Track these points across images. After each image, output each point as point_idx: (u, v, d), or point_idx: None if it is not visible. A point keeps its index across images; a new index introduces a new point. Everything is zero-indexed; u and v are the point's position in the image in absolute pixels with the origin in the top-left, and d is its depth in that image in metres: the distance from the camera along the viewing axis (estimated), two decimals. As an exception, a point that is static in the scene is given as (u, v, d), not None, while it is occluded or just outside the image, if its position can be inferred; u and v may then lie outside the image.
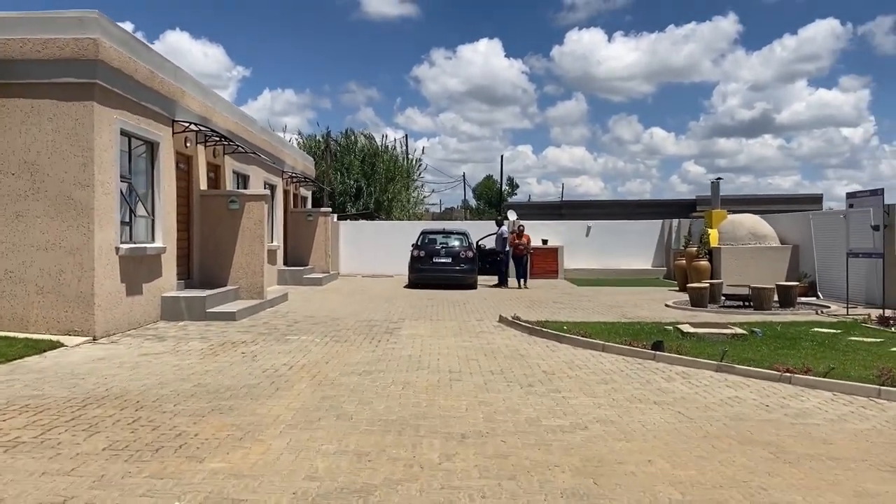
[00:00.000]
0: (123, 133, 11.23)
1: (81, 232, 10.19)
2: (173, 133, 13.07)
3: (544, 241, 26.61)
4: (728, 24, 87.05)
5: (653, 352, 9.33)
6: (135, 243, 11.65)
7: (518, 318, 12.43)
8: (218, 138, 14.77)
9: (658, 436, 5.81)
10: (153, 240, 12.43)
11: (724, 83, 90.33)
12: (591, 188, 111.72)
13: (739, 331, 11.01)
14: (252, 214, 14.64)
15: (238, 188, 17.21)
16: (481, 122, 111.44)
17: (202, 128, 13.81)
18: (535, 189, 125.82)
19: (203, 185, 14.84)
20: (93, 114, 10.21)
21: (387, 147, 44.07)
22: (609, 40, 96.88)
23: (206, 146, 14.93)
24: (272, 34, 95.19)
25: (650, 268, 26.85)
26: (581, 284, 22.69)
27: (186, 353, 9.35)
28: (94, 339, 10.18)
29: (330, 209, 24.34)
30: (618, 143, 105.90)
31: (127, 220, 11.51)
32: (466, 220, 51.66)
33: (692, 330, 11.00)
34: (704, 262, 19.36)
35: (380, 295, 18.43)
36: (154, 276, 12.15)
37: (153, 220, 12.45)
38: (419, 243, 21.12)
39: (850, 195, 14.74)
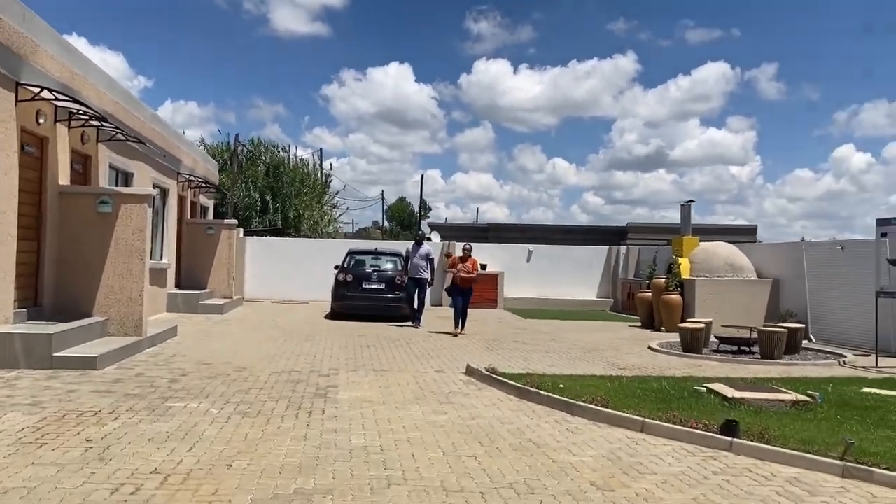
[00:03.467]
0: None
1: None
2: (16, 100, 9.24)
3: (482, 266, 23.57)
4: (627, 63, 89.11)
5: (726, 438, 6.30)
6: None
7: (495, 371, 9.22)
8: (88, 118, 10.96)
9: None
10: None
11: (622, 119, 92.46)
12: (497, 214, 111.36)
13: (801, 397, 8.17)
14: (130, 221, 10.85)
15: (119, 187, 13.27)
16: (391, 145, 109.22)
17: (64, 100, 10.00)
18: (443, 213, 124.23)
19: (65, 180, 10.97)
20: None
21: (297, 158, 40.35)
22: (514, 72, 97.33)
23: (69, 127, 11.07)
24: (176, 44, 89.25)
25: (595, 298, 24.26)
26: (527, 316, 19.73)
27: (-8, 439, 5.64)
28: None
29: (235, 221, 20.47)
30: (522, 172, 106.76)
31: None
32: (382, 240, 48.19)
33: (737, 395, 8.07)
34: (676, 297, 16.75)
35: (297, 328, 14.81)
36: (-28, 303, 8.28)
37: (-24, 223, 8.59)
38: (346, 265, 17.59)
39: (881, 221, 12.28)
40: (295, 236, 32.46)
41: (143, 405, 7.03)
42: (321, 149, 49.07)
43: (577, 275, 24.29)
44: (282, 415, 6.89)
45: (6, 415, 6.40)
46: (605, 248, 24.89)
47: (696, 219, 21.05)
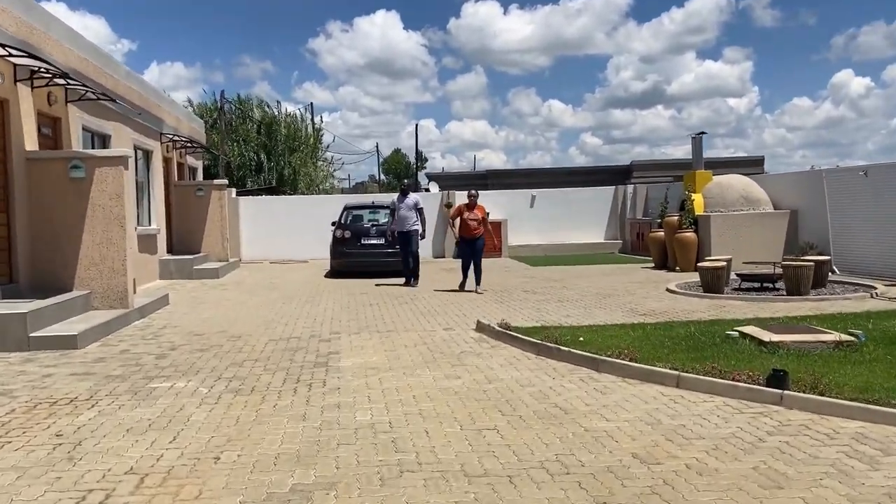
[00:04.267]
0: None
1: None
2: (-35, 59, 8.37)
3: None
4: None
5: (775, 391, 5.63)
6: None
7: (508, 327, 8.53)
8: (52, 76, 10.06)
9: None
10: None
11: (617, 55, 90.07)
12: (493, 161, 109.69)
13: (844, 337, 7.48)
14: (105, 186, 10.05)
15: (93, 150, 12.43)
16: (382, 97, 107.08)
17: (21, 55, 9.10)
18: (439, 163, 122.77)
19: (32, 146, 10.14)
20: None
21: (288, 115, 39.17)
22: (505, 13, 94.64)
23: (32, 87, 10.19)
24: (157, 7, 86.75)
25: (602, 241, 23.52)
26: (533, 264, 19.03)
27: (-51, 439, 4.96)
28: None
29: (226, 181, 19.59)
30: (517, 116, 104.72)
31: None
32: (379, 193, 47.33)
33: (774, 339, 7.38)
34: (690, 234, 16.01)
35: (297, 290, 14.12)
36: (-66, 285, 7.56)
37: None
38: (343, 221, 16.78)
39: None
40: (290, 195, 31.61)
41: (124, 388, 6.36)
42: (311, 103, 47.65)
43: (583, 218, 23.50)
44: (278, 390, 6.22)
45: (-30, 408, 5.73)
46: (610, 189, 24.05)
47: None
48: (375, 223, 16.69)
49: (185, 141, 18.72)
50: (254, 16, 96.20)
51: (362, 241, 16.16)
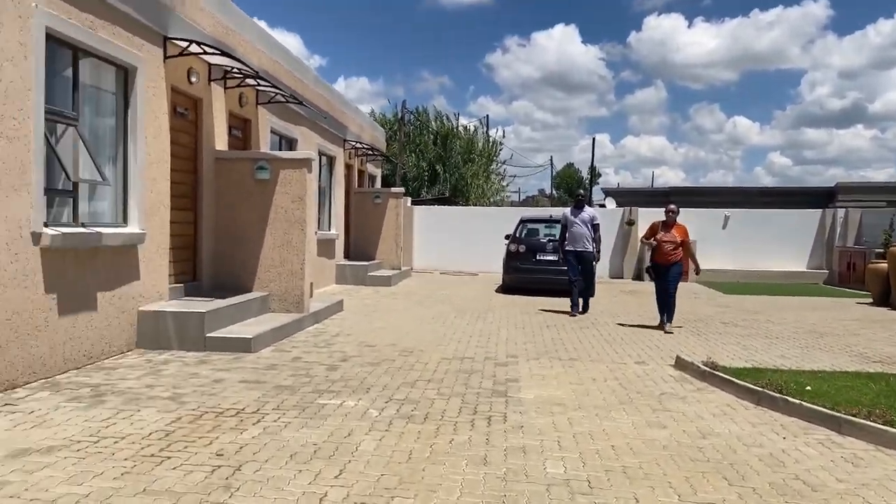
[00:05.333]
0: (55, 38, 6.64)
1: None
2: (165, 56, 8.44)
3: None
4: (817, 8, 79.07)
5: None
6: (82, 226, 7.08)
7: (715, 367, 7.31)
8: (244, 76, 10.11)
9: None
10: (124, 220, 7.86)
11: (812, 70, 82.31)
12: (671, 178, 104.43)
13: None
14: (290, 188, 9.92)
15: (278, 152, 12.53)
16: (556, 111, 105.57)
17: (215, 54, 9.14)
18: (613, 179, 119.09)
19: (222, 146, 10.24)
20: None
21: (463, 127, 39.26)
22: (689, 26, 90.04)
23: (225, 87, 10.30)
24: (347, 24, 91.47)
25: (804, 269, 21.10)
26: (726, 291, 17.27)
27: (109, 444, 4.65)
28: (-25, 399, 5.63)
29: (402, 190, 19.51)
30: (698, 133, 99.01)
31: (61, 186, 6.93)
32: (553, 207, 46.24)
33: None
34: (923, 268, 13.73)
35: (468, 304, 13.53)
36: (122, 279, 7.59)
37: (125, 190, 7.87)
38: (518, 235, 16.03)
39: None
40: (462, 205, 31.43)
41: (292, 402, 5.90)
42: (487, 116, 47.75)
43: (783, 243, 21.21)
44: (454, 421, 5.49)
45: (139, 412, 5.47)
46: (816, 213, 21.55)
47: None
48: (552, 238, 15.78)
49: (367, 148, 18.82)
50: (435, 32, 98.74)
51: (538, 257, 15.31)
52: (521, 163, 75.20)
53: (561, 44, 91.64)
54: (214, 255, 9.96)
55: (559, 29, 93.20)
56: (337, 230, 16.58)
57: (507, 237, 17.37)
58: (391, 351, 8.36)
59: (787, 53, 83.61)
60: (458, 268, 21.89)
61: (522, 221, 16.44)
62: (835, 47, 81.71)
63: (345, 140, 17.39)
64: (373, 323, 10.65)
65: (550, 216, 17.00)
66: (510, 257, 15.51)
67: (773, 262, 21.13)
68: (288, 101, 11.95)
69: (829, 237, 20.90)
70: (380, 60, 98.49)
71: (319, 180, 15.13)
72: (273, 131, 12.50)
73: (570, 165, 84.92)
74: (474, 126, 40.85)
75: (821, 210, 21.63)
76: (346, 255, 17.82)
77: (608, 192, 40.20)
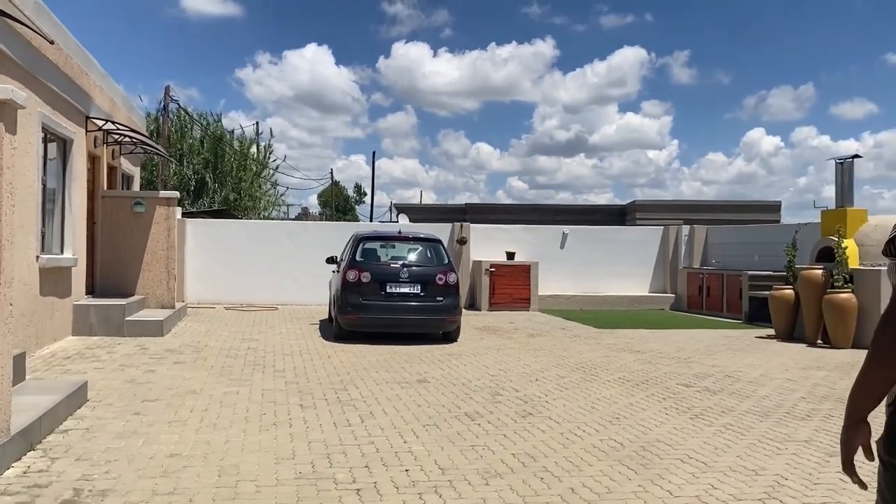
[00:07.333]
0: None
1: None
2: None
3: (510, 255, 17.81)
4: (546, 47, 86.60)
5: None
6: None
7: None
8: None
9: None
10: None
11: (542, 104, 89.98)
12: (424, 200, 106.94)
13: None
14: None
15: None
16: (311, 130, 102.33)
17: None
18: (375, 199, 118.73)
19: None
20: None
21: (233, 131, 33.62)
22: (434, 55, 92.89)
23: None
24: (84, 28, 79.32)
25: (647, 293, 18.85)
26: (580, 321, 14.26)
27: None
28: None
29: (177, 194, 13.92)
30: (447, 157, 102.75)
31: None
32: (406, 223, 41.87)
33: None
34: (848, 296, 11.43)
35: (303, 370, 8.72)
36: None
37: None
38: (356, 258, 11.37)
39: None
40: (240, 219, 25.97)
41: None
42: (257, 122, 42.09)
43: (624, 264, 18.80)
44: None
45: None
46: (658, 230, 19.44)
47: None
48: (407, 263, 11.43)
49: (125, 131, 13.03)
50: (181, 43, 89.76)
51: (388, 289, 10.83)
52: (283, 181, 69.24)
53: (314, 64, 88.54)
54: None
55: (312, 48, 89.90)
56: (74, 252, 10.86)
57: (331, 260, 12.75)
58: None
59: (521, 87, 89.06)
60: (247, 299, 16.74)
61: (358, 240, 11.73)
62: (560, 83, 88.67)
63: (88, 118, 11.67)
64: (153, 447, 5.47)
65: (400, 232, 12.55)
66: (348, 290, 10.82)
67: (615, 284, 18.65)
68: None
69: (673, 258, 18.86)
70: (119, 71, 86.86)
71: (43, 174, 9.50)
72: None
73: (336, 183, 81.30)
74: (244, 129, 35.36)
75: (662, 227, 19.58)
76: (91, 291, 12.03)
77: (401, 209, 36.73)
